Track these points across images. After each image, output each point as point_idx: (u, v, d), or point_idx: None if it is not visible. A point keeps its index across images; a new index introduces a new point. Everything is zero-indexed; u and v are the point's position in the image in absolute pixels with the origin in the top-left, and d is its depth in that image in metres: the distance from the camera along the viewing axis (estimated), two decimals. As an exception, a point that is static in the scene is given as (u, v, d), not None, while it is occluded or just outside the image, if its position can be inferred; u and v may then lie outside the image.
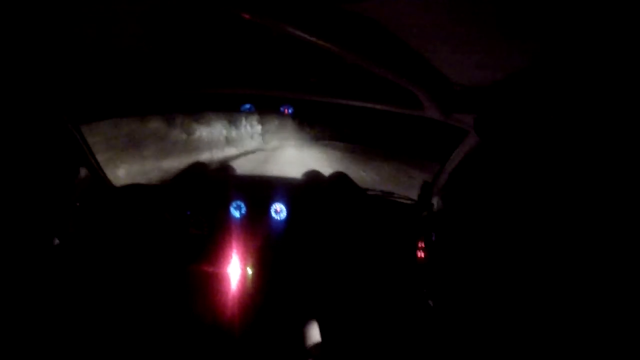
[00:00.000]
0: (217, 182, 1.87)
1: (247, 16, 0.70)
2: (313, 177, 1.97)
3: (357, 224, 1.72)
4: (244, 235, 1.68)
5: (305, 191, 1.86)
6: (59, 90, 1.21)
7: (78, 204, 1.48)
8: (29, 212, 1.31)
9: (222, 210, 1.69)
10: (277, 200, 1.72)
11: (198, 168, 2.02)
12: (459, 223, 1.71)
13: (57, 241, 1.37)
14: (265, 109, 1.81)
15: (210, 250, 1.65)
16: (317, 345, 1.40)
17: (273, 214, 1.72)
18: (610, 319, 1.08)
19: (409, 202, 1.84)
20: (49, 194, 1.37)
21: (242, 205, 1.71)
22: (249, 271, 1.65)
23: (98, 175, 1.57)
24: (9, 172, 1.23)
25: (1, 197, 1.22)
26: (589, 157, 1.11)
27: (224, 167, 2.01)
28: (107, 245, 1.61)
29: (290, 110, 1.66)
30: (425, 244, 1.68)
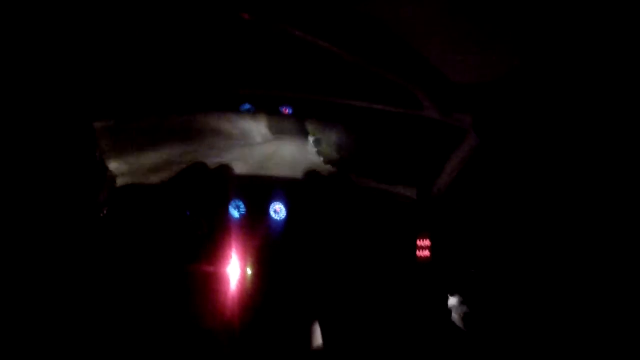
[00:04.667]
0: (216, 182, 1.87)
1: (247, 16, 0.71)
2: (312, 177, 1.97)
3: (357, 224, 1.72)
4: (243, 234, 1.68)
5: (304, 191, 1.86)
6: (68, 90, 1.21)
7: (76, 204, 1.48)
8: (38, 212, 1.30)
9: (221, 210, 1.69)
10: (277, 200, 1.72)
11: (197, 168, 2.02)
12: (459, 222, 1.72)
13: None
14: (265, 108, 1.81)
15: (209, 250, 1.64)
16: (317, 344, 1.40)
17: (272, 214, 1.72)
18: (610, 319, 1.08)
19: (408, 201, 1.85)
20: (53, 194, 1.37)
21: (242, 204, 1.71)
22: (249, 271, 1.64)
23: (97, 174, 1.56)
24: (18, 172, 1.23)
25: (10, 197, 1.21)
26: (587, 155, 1.12)
27: (223, 167, 2.00)
28: (105, 244, 1.61)
29: (289, 110, 1.66)
30: (424, 244, 1.69)
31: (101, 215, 1.48)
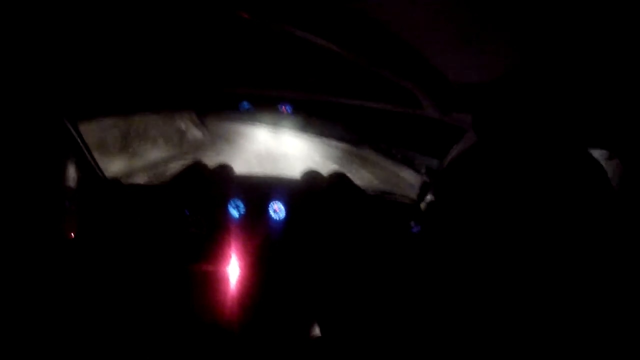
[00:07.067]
0: (215, 181, 1.87)
1: (246, 16, 0.70)
2: (312, 177, 1.97)
3: (357, 224, 1.72)
4: (243, 234, 1.68)
5: (304, 191, 1.86)
6: (57, 87, 1.21)
7: (70, 204, 1.48)
8: (25, 211, 1.30)
9: (221, 210, 1.69)
10: (276, 200, 1.73)
11: (197, 167, 2.02)
12: (458, 222, 1.72)
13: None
14: (264, 107, 1.81)
15: (209, 250, 1.65)
16: (316, 344, 1.41)
17: (272, 214, 1.73)
18: (610, 319, 1.08)
19: (408, 201, 1.85)
20: (45, 193, 1.37)
21: (241, 204, 1.71)
22: (248, 270, 1.65)
23: (96, 174, 1.56)
24: (5, 170, 1.23)
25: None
26: (587, 154, 1.12)
27: (222, 167, 2.01)
28: (106, 245, 1.61)
29: (289, 109, 1.66)
30: (424, 244, 1.69)
31: (69, 207, 1.47)
